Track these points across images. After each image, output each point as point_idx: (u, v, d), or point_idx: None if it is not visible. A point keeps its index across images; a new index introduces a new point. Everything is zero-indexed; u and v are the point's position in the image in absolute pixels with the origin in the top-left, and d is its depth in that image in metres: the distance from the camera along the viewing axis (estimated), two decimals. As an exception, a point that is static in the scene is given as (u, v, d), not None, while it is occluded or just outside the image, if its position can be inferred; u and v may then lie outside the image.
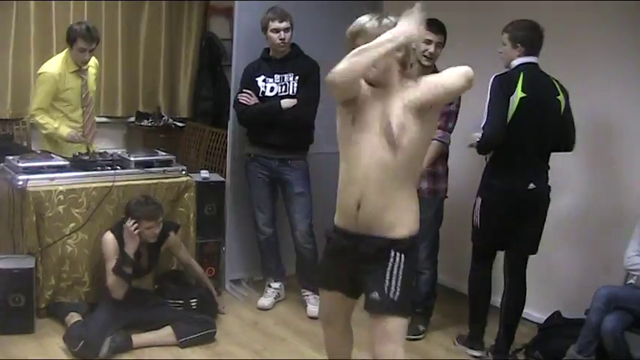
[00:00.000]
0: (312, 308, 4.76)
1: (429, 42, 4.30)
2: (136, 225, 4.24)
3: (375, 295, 2.92)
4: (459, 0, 5.19)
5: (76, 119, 5.07)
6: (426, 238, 4.38)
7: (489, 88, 4.00)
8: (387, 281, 2.91)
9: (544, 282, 4.76)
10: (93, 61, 5.17)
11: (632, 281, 4.05)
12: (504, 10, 4.66)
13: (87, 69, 5.07)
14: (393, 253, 2.91)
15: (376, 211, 2.91)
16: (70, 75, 4.98)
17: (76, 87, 5.01)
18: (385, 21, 2.91)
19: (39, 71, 5.06)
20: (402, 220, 2.93)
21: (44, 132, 5.04)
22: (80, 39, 4.86)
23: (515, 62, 4.04)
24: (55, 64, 4.99)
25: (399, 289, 2.90)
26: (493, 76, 4.02)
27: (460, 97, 4.31)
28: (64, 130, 4.98)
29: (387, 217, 2.91)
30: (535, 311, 4.72)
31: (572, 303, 4.41)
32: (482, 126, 3.98)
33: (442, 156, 4.46)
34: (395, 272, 2.91)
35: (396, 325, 2.94)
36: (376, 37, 2.79)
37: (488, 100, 3.99)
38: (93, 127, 5.18)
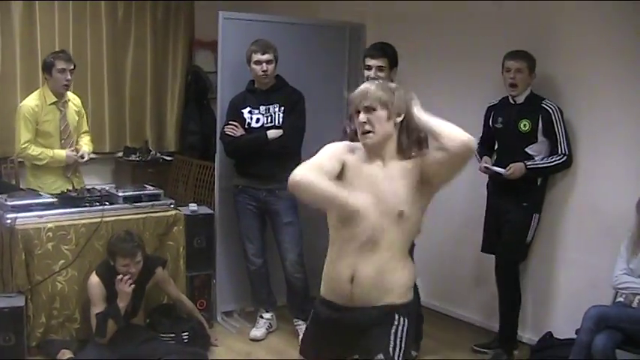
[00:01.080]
0: (305, 338, 4.76)
1: (368, 68, 4.32)
2: (129, 280, 4.25)
3: (381, 357, 2.74)
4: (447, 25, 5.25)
5: None
6: None
7: (559, 117, 4.33)
8: (392, 342, 2.76)
9: (535, 303, 4.77)
10: (74, 98, 5.23)
11: (621, 299, 4.07)
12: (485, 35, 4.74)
13: (66, 101, 5.08)
14: (397, 317, 2.78)
15: (371, 283, 2.77)
16: (48, 107, 4.98)
17: (54, 119, 5.02)
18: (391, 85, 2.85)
19: (18, 107, 5.09)
20: (399, 285, 2.81)
21: (40, 163, 5.00)
22: (58, 61, 4.91)
23: (529, 89, 4.43)
24: (31, 98, 5.03)
25: (400, 352, 2.76)
26: (556, 107, 4.34)
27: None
28: (61, 153, 4.99)
29: (384, 286, 2.78)
30: (527, 332, 4.74)
31: (564, 322, 4.43)
32: (564, 152, 4.34)
33: None
34: (399, 335, 2.77)
35: None
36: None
37: (562, 129, 4.33)
38: (74, 162, 5.11)
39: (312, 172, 2.66)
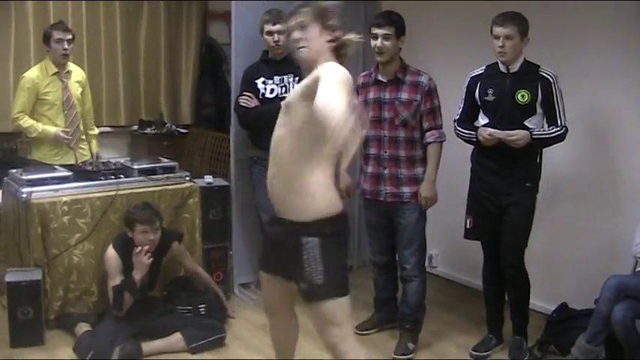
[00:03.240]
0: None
1: (375, 37, 4.11)
2: (147, 250, 4.25)
3: (303, 285, 2.90)
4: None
5: (59, 124, 5.12)
6: (413, 243, 4.26)
7: (558, 86, 3.97)
8: (306, 269, 2.87)
9: (550, 273, 4.73)
10: (78, 70, 5.31)
11: (640, 269, 4.04)
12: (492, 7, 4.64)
13: (68, 72, 5.17)
14: (304, 240, 2.88)
15: (281, 193, 2.96)
16: (50, 78, 5.08)
17: (56, 90, 5.09)
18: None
19: (20, 77, 5.18)
20: (306, 204, 2.90)
21: (30, 136, 5.10)
22: (55, 31, 5.04)
23: (522, 57, 4.03)
24: (33, 69, 5.17)
25: (320, 273, 2.86)
26: (554, 75, 3.98)
27: (436, 91, 4.20)
28: (50, 130, 5.06)
29: (292, 202, 2.92)
30: (541, 302, 4.69)
31: (579, 293, 4.39)
32: (562, 123, 3.97)
33: (423, 158, 4.23)
34: (312, 258, 2.86)
35: (332, 307, 2.90)
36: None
37: (561, 99, 3.98)
38: (77, 132, 5.20)
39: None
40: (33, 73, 5.09)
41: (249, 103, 4.73)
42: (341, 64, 2.88)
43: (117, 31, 6.92)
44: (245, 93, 4.76)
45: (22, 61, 6.30)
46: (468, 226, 4.31)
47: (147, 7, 7.13)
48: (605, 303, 3.78)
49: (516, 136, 3.95)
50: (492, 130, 4.03)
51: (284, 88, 4.73)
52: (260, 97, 4.74)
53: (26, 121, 5.04)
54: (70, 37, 5.08)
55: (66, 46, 5.04)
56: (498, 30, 3.97)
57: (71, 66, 5.25)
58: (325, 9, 2.95)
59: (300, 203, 2.91)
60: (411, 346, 4.31)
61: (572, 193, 4.60)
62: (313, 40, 2.92)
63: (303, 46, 2.93)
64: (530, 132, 3.96)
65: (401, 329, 4.39)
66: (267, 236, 3.21)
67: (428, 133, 4.20)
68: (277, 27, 4.62)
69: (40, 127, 5.05)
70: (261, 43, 4.77)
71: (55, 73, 5.08)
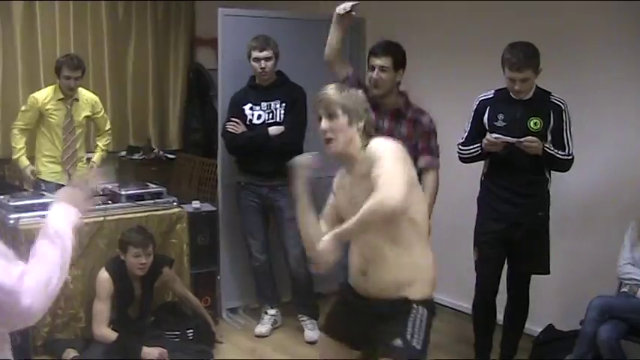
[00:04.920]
0: (310, 333, 4.78)
1: (372, 68, 3.97)
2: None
3: (399, 342, 2.69)
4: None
5: (58, 145, 5.28)
6: None
7: (568, 113, 3.88)
8: (409, 329, 2.71)
9: (536, 294, 4.74)
10: (89, 97, 5.44)
11: (625, 290, 4.06)
12: (480, 31, 4.70)
13: (75, 100, 5.28)
14: (415, 306, 2.75)
15: (383, 278, 2.78)
16: (57, 102, 5.22)
17: (59, 114, 5.23)
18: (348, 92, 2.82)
19: None
20: (414, 281, 2.78)
21: (13, 155, 5.31)
22: (64, 67, 5.15)
23: (534, 85, 3.92)
24: (43, 91, 5.35)
25: (422, 339, 2.72)
26: (565, 102, 3.89)
27: (435, 133, 4.06)
28: (24, 163, 5.28)
29: (398, 280, 2.77)
30: (528, 323, 4.69)
31: (565, 314, 4.41)
32: (571, 153, 3.88)
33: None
34: (418, 323, 2.73)
35: None
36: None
37: (570, 127, 3.88)
38: (73, 156, 5.34)
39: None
40: (40, 94, 5.27)
41: (236, 129, 4.76)
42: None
43: (104, 56, 6.96)
44: (232, 119, 4.79)
45: (10, 89, 6.34)
46: (476, 259, 4.20)
47: (134, 33, 7.17)
48: (591, 324, 3.82)
49: (534, 143, 3.78)
50: (497, 135, 3.86)
51: (271, 114, 4.76)
52: (247, 122, 4.77)
53: (14, 137, 5.26)
54: (78, 74, 5.20)
55: (72, 85, 5.19)
56: (514, 75, 3.80)
57: (82, 92, 5.39)
58: (355, 97, 2.80)
59: (408, 281, 2.77)
60: None
61: (556, 216, 4.63)
62: (343, 131, 2.76)
63: (332, 138, 2.76)
64: (543, 144, 3.81)
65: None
66: (348, 305, 2.97)
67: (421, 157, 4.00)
68: (264, 53, 4.65)
69: (19, 153, 5.27)
70: (248, 69, 4.80)
71: (61, 99, 5.23)
